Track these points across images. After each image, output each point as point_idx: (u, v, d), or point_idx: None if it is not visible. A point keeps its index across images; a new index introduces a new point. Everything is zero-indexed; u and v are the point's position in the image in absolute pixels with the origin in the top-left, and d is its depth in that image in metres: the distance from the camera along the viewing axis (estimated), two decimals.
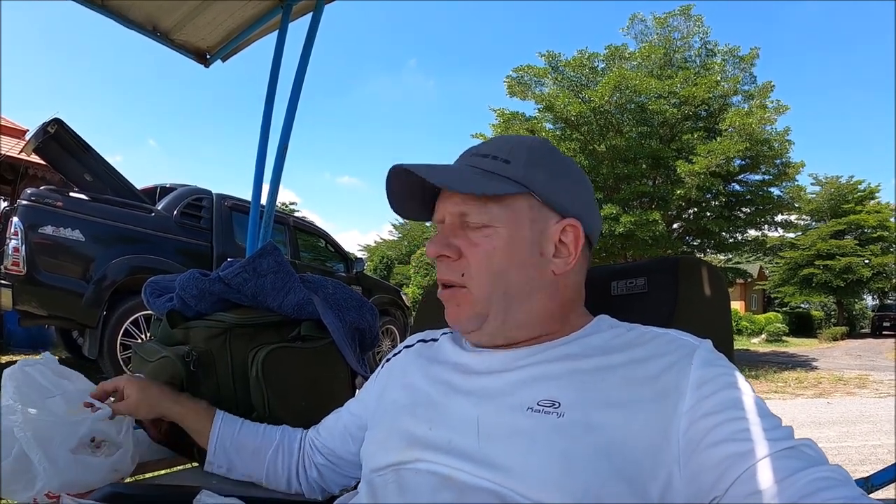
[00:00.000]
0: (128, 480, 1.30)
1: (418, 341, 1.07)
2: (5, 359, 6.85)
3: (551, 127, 15.87)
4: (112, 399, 1.17)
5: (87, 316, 5.41)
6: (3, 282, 5.14)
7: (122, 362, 5.39)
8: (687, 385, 0.72)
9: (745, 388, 0.71)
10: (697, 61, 16.32)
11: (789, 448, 0.64)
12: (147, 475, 1.43)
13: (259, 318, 1.40)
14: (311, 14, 2.34)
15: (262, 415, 1.29)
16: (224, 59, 2.67)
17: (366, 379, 1.49)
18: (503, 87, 15.92)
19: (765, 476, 0.61)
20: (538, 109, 15.90)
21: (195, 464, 1.39)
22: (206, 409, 1.21)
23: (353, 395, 1.50)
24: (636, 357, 0.78)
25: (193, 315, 1.46)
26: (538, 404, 0.75)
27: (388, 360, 1.10)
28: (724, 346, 0.82)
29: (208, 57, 2.67)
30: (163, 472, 1.42)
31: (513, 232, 0.84)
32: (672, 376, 0.73)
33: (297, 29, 2.40)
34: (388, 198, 0.95)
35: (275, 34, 2.41)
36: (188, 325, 1.42)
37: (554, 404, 0.74)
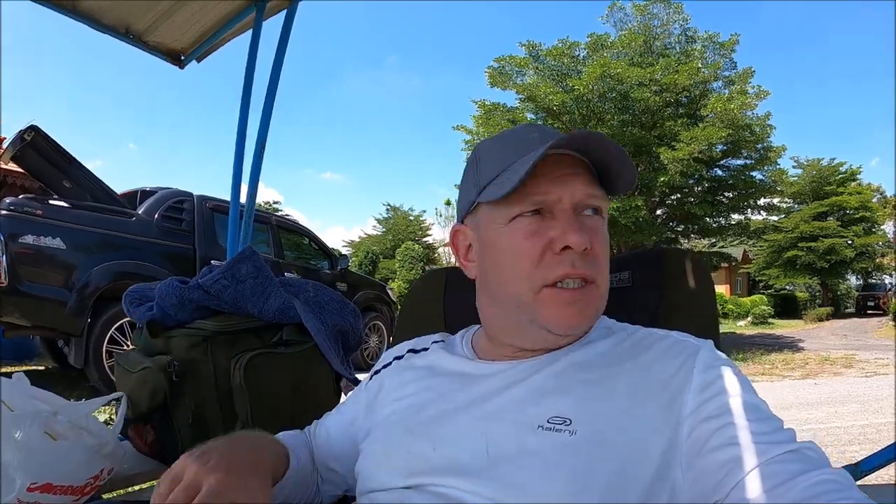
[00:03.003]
0: (115, 494, 1.29)
1: (409, 351, 1.01)
2: None
3: (532, 117, 15.87)
4: None
5: (72, 325, 5.33)
6: None
7: (108, 370, 5.32)
8: (689, 389, 0.71)
9: (747, 390, 0.70)
10: (678, 48, 16.36)
11: (791, 451, 0.63)
12: (135, 487, 1.40)
13: (240, 324, 1.38)
14: (284, 12, 2.31)
15: (245, 423, 1.27)
16: (199, 60, 2.63)
17: (351, 382, 1.47)
18: (484, 79, 15.91)
19: (766, 480, 0.60)
20: (519, 100, 15.91)
21: None
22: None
23: (338, 398, 1.48)
24: (642, 364, 0.76)
25: (174, 324, 1.43)
26: (549, 421, 0.72)
27: (376, 371, 1.02)
28: (710, 336, 0.81)
29: (183, 58, 2.62)
30: (149, 484, 1.40)
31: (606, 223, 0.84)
32: (676, 381, 0.72)
33: (273, 27, 2.37)
34: (512, 171, 0.81)
35: (249, 33, 2.38)
36: (169, 334, 1.40)
37: (565, 421, 0.71)
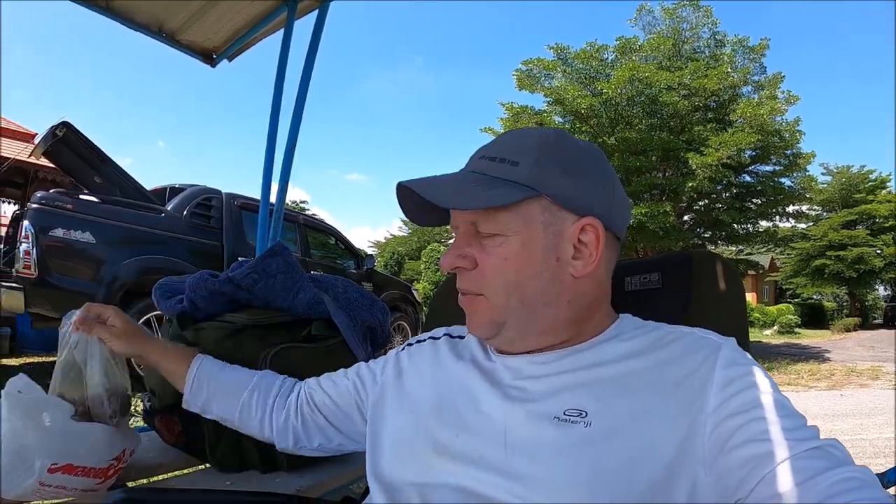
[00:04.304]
0: (140, 483, 1.31)
1: (445, 335, 1.04)
2: (19, 361, 6.91)
3: (560, 120, 15.81)
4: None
5: None
6: (15, 285, 5.17)
7: (134, 362, 5.38)
8: (712, 385, 0.71)
9: (770, 386, 0.70)
10: (707, 52, 16.20)
11: (815, 448, 0.62)
12: (159, 477, 1.43)
13: (269, 318, 1.40)
14: (316, 11, 2.33)
15: None
16: (230, 59, 2.67)
17: None
18: (512, 82, 15.88)
19: (789, 477, 0.60)
20: (547, 103, 15.86)
21: (207, 465, 1.39)
22: (185, 351, 1.20)
23: None
24: (661, 360, 0.76)
25: (203, 317, 1.45)
26: (565, 413, 0.74)
27: (410, 344, 1.06)
28: (739, 341, 0.81)
29: (214, 57, 2.66)
30: (174, 474, 1.43)
31: (525, 239, 0.81)
32: (697, 377, 0.72)
33: (304, 27, 2.39)
34: (404, 212, 0.93)
35: (281, 32, 2.40)
36: (198, 326, 1.41)
37: (581, 413, 0.73)
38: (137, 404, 4.26)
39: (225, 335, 1.35)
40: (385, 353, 1.10)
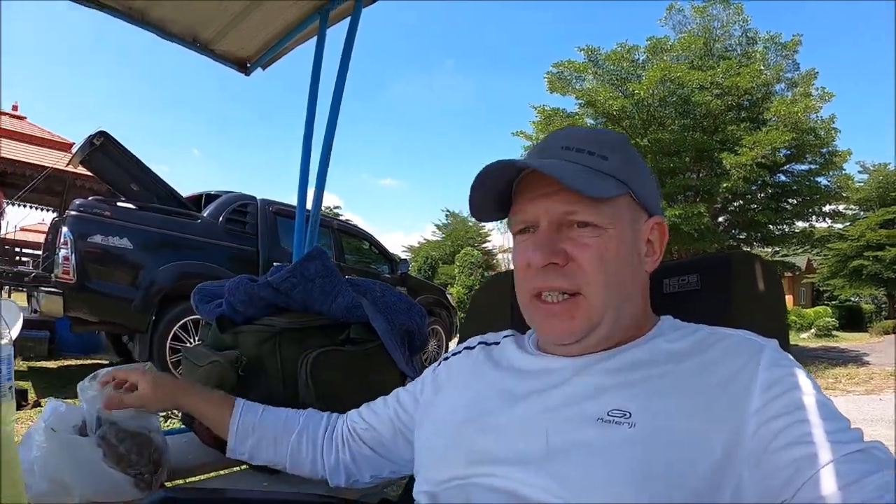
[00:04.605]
0: (177, 483, 1.33)
1: (480, 343, 1.03)
2: (57, 364, 7.07)
3: (592, 122, 15.70)
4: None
5: (137, 321, 5.54)
6: (54, 290, 5.28)
7: (171, 366, 5.49)
8: (755, 386, 0.70)
9: (813, 388, 0.69)
10: (738, 50, 15.96)
11: (859, 451, 0.62)
12: (197, 478, 1.45)
13: (308, 321, 1.42)
14: (348, 18, 2.35)
15: None
16: (264, 68, 2.70)
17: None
18: (543, 84, 15.83)
19: (833, 480, 0.60)
20: (579, 105, 15.78)
21: (244, 466, 1.41)
22: (224, 398, 1.16)
23: None
24: (705, 361, 0.76)
25: (242, 320, 1.48)
26: (608, 414, 0.73)
27: (445, 358, 1.06)
28: (780, 343, 0.80)
29: (248, 66, 2.70)
30: (212, 474, 1.45)
31: (618, 233, 0.81)
32: (741, 379, 0.72)
33: (336, 33, 2.41)
34: (471, 203, 0.89)
35: (313, 40, 2.43)
36: (238, 329, 1.43)
37: (625, 414, 0.72)
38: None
39: (264, 338, 1.37)
40: (422, 356, 1.10)
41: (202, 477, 1.45)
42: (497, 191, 0.87)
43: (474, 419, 0.85)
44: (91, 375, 1.24)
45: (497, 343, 1.01)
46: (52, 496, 1.03)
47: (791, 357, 0.75)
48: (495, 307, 1.29)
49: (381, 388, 1.43)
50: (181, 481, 1.37)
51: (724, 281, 1.06)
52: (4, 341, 0.88)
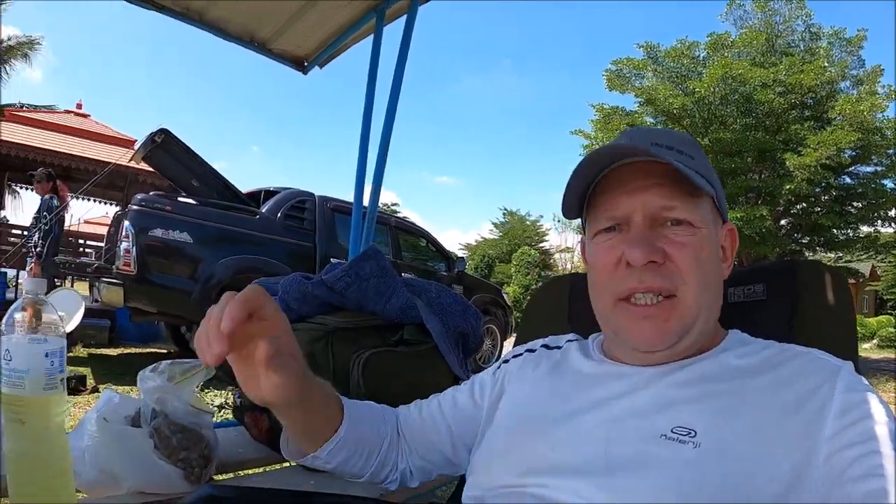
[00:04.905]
0: (226, 477, 1.34)
1: (542, 346, 0.99)
2: (116, 351, 7.34)
3: (652, 121, 15.44)
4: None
5: (195, 313, 5.62)
6: (115, 281, 5.49)
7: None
8: (830, 410, 0.66)
9: (887, 415, 0.65)
10: (801, 46, 15.41)
11: None
12: (245, 473, 1.46)
13: (362, 321, 1.41)
14: (405, 16, 2.35)
15: None
16: (322, 66, 2.72)
17: None
18: (602, 82, 15.65)
19: None
20: (638, 103, 15.54)
21: (293, 463, 1.41)
22: (335, 404, 0.94)
23: None
24: (776, 380, 0.72)
25: (296, 318, 1.48)
26: (672, 431, 0.69)
27: (506, 361, 1.01)
28: (848, 357, 0.76)
29: (306, 64, 2.72)
30: (259, 469, 1.46)
31: (708, 234, 0.78)
32: (816, 401, 0.68)
33: (393, 32, 2.41)
34: (567, 196, 0.83)
35: (371, 38, 2.43)
36: (292, 327, 1.44)
37: (690, 432, 0.69)
38: (228, 396, 4.44)
39: (316, 337, 1.37)
40: (476, 357, 1.07)
41: (250, 472, 1.46)
42: (584, 184, 0.83)
43: (532, 426, 0.82)
44: (152, 367, 1.26)
45: (559, 347, 0.97)
46: (101, 485, 1.05)
47: (866, 381, 0.71)
48: (553, 310, 1.27)
49: (434, 391, 1.42)
50: (229, 475, 1.38)
51: (791, 291, 1.01)
52: (58, 334, 0.90)
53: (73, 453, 1.01)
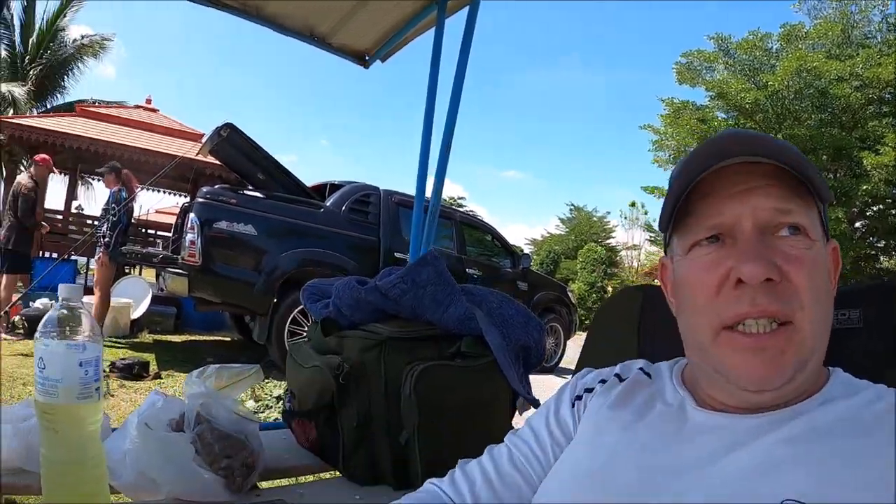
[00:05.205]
0: (270, 484, 1.31)
1: (614, 377, 0.83)
2: (181, 338, 7.60)
3: (723, 116, 15.03)
4: None
5: (258, 304, 5.76)
6: (180, 271, 5.62)
7: (288, 348, 5.63)
8: None
9: None
10: (878, 38, 14.68)
11: None
12: (289, 481, 1.42)
13: (416, 331, 1.34)
14: (467, 8, 2.28)
15: (410, 435, 1.21)
16: (383, 60, 2.67)
17: (529, 402, 1.37)
18: (671, 76, 15.30)
19: None
20: (709, 97, 15.13)
21: (338, 473, 1.36)
22: None
23: (512, 417, 1.40)
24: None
25: (348, 325, 1.43)
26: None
27: (578, 397, 0.84)
28: None
29: (367, 58, 2.68)
30: (304, 479, 1.42)
31: (821, 249, 0.66)
32: None
33: (456, 23, 2.35)
34: (667, 196, 0.71)
35: (432, 31, 2.38)
36: (342, 334, 1.39)
37: None
38: (272, 389, 4.48)
39: (368, 346, 1.31)
40: (540, 371, 0.96)
41: (293, 481, 1.42)
42: (679, 190, 0.69)
43: (604, 486, 0.67)
44: (199, 370, 1.26)
45: (633, 380, 0.81)
46: (140, 489, 1.05)
47: None
48: (621, 326, 1.17)
49: (490, 408, 1.35)
50: (273, 483, 1.35)
51: (891, 318, 0.87)
52: (94, 342, 0.89)
53: (115, 455, 1.06)
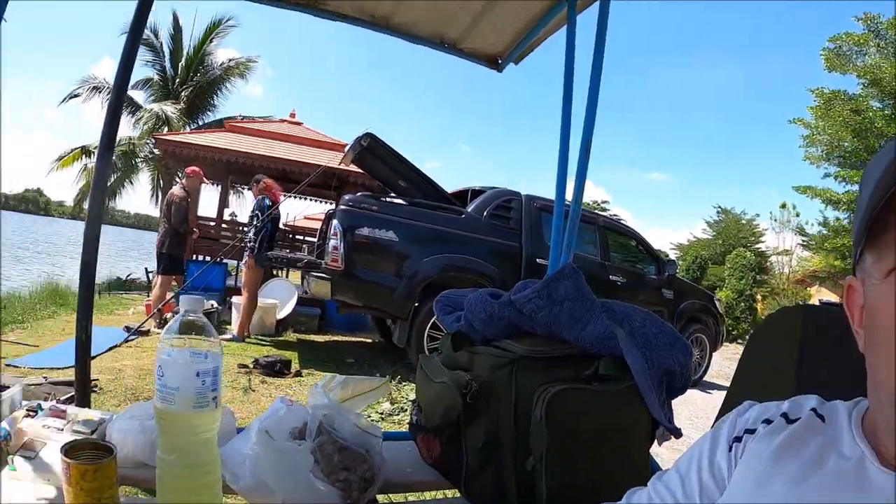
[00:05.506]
0: (390, 497, 1.29)
1: (781, 415, 0.69)
2: (324, 338, 7.95)
3: (879, 105, 13.64)
4: None
5: (399, 308, 5.91)
6: (323, 275, 5.86)
7: (427, 352, 5.73)
8: None
9: None
10: None
11: None
12: (410, 496, 1.40)
13: (551, 350, 1.25)
14: (597, 4, 2.17)
15: (537, 461, 1.12)
16: (517, 62, 2.62)
17: (670, 432, 1.25)
18: (820, 63, 14.11)
19: None
20: (862, 85, 13.81)
21: (458, 494, 1.33)
22: None
23: (649, 447, 1.28)
24: None
25: (480, 340, 1.38)
26: None
27: (737, 438, 0.70)
28: None
29: (500, 62, 2.63)
30: (424, 495, 1.39)
31: None
32: None
33: (588, 20, 2.24)
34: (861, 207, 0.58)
35: (564, 30, 2.29)
36: (473, 350, 1.34)
37: None
38: (408, 392, 4.54)
39: (499, 364, 1.24)
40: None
41: (413, 496, 1.39)
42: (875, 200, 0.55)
43: None
44: (327, 378, 1.29)
45: (804, 423, 0.67)
46: (257, 493, 1.07)
47: None
48: (779, 350, 1.04)
49: (627, 436, 1.22)
50: (392, 498, 1.33)
51: None
52: (214, 353, 0.91)
53: (236, 458, 1.10)
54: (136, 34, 2.16)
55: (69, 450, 0.88)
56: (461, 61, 2.60)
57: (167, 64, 21.02)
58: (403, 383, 5.03)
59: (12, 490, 1.06)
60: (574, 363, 1.24)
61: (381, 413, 4.26)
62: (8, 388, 1.49)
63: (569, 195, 2.31)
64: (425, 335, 5.86)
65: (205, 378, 0.89)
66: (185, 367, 0.88)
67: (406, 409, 4.22)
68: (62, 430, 1.35)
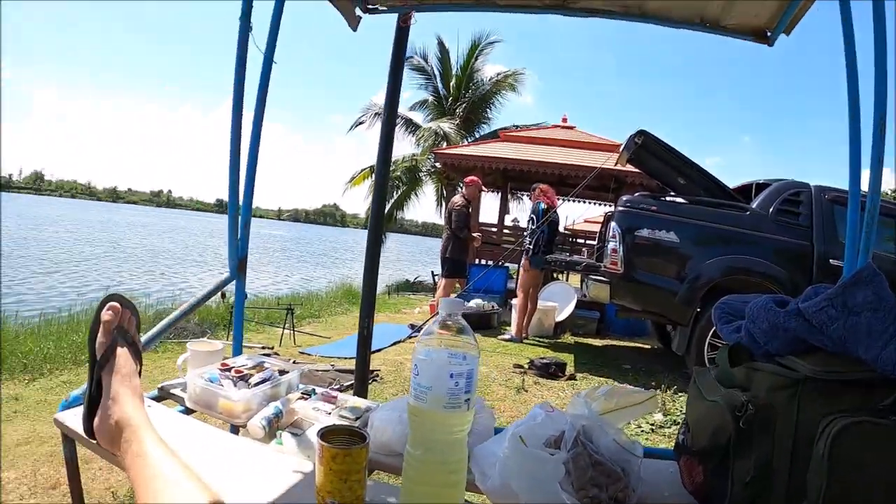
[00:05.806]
0: None
1: None
2: (602, 342, 7.87)
3: None
4: None
5: (679, 313, 5.60)
6: (602, 278, 5.79)
7: (707, 362, 5.33)
8: None
9: None
10: None
11: None
12: None
13: (843, 372, 1.03)
14: None
15: None
16: (787, 33, 2.26)
17: None
18: None
19: None
20: None
21: None
22: None
23: None
24: None
25: (761, 353, 1.21)
26: None
27: None
28: None
29: (769, 34, 2.30)
30: None
31: None
32: None
33: None
34: None
35: None
36: (753, 366, 1.17)
37: None
38: (683, 404, 4.19)
39: (781, 385, 1.07)
40: None
41: None
42: None
43: None
44: (591, 388, 1.27)
45: None
46: (503, 496, 1.07)
47: None
48: None
49: None
50: None
51: None
52: (470, 356, 0.92)
53: (488, 459, 1.13)
54: (397, 62, 2.46)
55: (325, 434, 0.98)
56: (726, 42, 2.36)
57: (439, 84, 22.56)
58: (679, 394, 4.70)
59: (275, 460, 1.21)
60: (869, 389, 1.01)
61: (653, 424, 4.05)
62: (287, 372, 1.70)
63: (864, 185, 1.96)
64: (706, 344, 5.49)
65: (458, 380, 0.90)
66: (440, 368, 0.90)
67: (678, 423, 3.99)
68: (330, 413, 1.52)
